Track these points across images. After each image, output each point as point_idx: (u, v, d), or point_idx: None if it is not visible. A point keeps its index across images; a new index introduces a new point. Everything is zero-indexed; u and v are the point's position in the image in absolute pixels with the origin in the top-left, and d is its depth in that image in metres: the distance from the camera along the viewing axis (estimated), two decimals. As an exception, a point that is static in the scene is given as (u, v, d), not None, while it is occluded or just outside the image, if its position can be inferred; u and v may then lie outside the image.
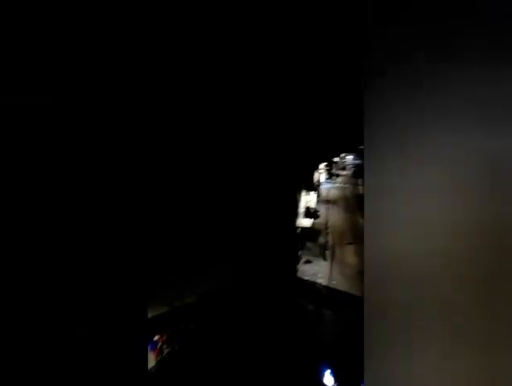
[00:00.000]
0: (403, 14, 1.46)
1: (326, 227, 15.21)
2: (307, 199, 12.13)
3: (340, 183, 26.12)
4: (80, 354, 3.14)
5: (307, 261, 11.43)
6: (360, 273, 11.39)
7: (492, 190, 1.59)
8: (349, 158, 32.62)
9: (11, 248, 2.98)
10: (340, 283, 10.29)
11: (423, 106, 1.51)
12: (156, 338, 6.86)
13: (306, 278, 10.50)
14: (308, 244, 12.99)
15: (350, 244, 14.80)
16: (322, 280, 10.41)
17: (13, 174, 2.91)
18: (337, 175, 27.06)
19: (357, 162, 29.08)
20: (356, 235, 16.15)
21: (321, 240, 14.33)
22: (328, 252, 12.72)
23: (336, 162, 28.31)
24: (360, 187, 24.25)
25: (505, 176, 1.48)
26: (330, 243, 14.14)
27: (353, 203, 22.02)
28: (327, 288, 9.58)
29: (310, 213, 11.60)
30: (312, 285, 9.50)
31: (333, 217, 18.34)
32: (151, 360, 6.81)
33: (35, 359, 3.05)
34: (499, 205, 1.54)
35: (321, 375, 6.29)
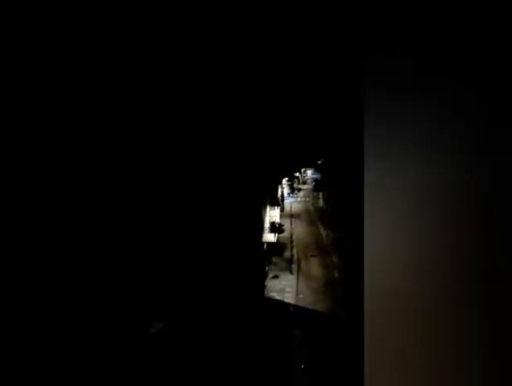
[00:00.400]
0: (403, 13, 1.49)
1: (291, 241, 15.45)
2: (272, 214, 12.28)
3: (302, 197, 26.86)
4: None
5: (275, 276, 11.45)
6: (325, 286, 11.62)
7: (492, 192, 1.60)
8: (309, 172, 33.79)
9: (12, 248, 2.80)
10: (306, 296, 10.40)
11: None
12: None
13: (273, 294, 10.48)
14: (275, 259, 13.06)
15: (314, 256, 15.13)
16: (290, 294, 10.45)
17: (13, 175, 2.74)
18: (299, 190, 27.86)
19: (316, 176, 30.24)
20: (319, 247, 16.57)
21: (287, 254, 14.48)
22: (293, 266, 12.86)
23: (297, 177, 29.18)
24: (320, 200, 25.11)
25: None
26: (295, 256, 14.33)
27: (315, 216, 22.67)
28: (294, 306, 9.64)
29: (275, 228, 11.73)
30: (280, 303, 9.52)
31: (297, 231, 18.70)
32: None
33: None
34: (498, 204, 1.56)
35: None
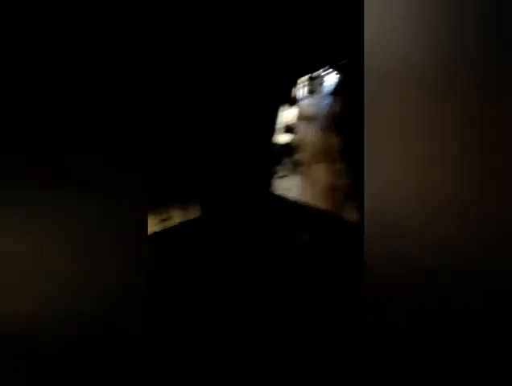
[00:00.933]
0: None
1: (301, 145, 15.51)
2: (286, 116, 12.06)
3: (319, 100, 25.60)
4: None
5: (282, 176, 11.98)
6: (328, 190, 12.21)
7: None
8: (329, 73, 31.33)
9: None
10: (310, 197, 11.08)
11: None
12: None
13: (279, 192, 11.16)
14: (284, 161, 13.41)
15: (322, 162, 15.40)
16: (294, 194, 11.13)
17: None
18: (316, 91, 26.37)
19: (336, 78, 28.08)
20: (328, 154, 16.68)
21: (296, 156, 14.75)
22: (301, 169, 13.27)
23: (315, 78, 27.24)
24: (337, 105, 23.98)
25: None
26: (304, 160, 14.62)
27: (329, 122, 22.06)
28: (297, 200, 10.30)
29: (288, 129, 11.68)
30: (285, 199, 10.14)
31: (309, 134, 18.53)
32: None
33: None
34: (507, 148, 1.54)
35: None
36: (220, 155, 7.55)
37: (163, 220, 7.14)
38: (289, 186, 11.72)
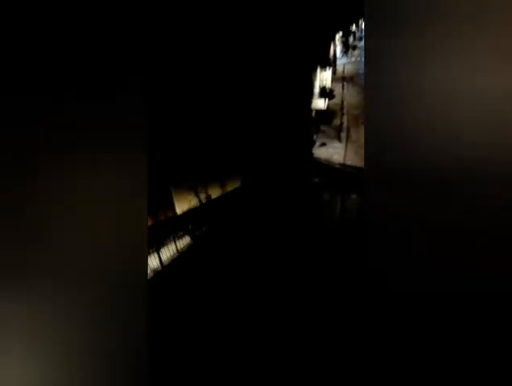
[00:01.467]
0: None
1: (341, 108, 14.46)
2: (322, 77, 11.15)
3: (357, 57, 23.59)
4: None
5: (322, 144, 11.27)
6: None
7: None
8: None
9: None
10: (354, 163, 10.33)
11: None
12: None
13: (322, 160, 10.54)
14: (323, 127, 12.60)
15: (364, 124, 14.26)
16: (338, 160, 10.44)
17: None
18: (354, 47, 24.24)
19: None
20: (372, 114, 15.39)
21: (336, 121, 13.82)
22: (343, 134, 12.41)
23: (352, 32, 24.95)
24: (378, 60, 21.81)
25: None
26: (345, 124, 13.66)
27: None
28: (343, 165, 9.67)
29: (325, 93, 10.82)
30: (328, 164, 9.53)
31: (349, 96, 17.25)
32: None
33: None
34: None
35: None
36: (256, 123, 7.13)
37: (204, 197, 7.02)
38: (330, 153, 11.02)
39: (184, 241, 7.25)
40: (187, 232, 7.02)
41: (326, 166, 9.16)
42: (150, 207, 6.02)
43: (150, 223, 6.41)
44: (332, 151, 11.31)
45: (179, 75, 5.53)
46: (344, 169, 9.06)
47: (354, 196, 8.22)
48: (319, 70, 10.75)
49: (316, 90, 10.78)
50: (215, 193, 7.18)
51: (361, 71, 21.74)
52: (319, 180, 8.25)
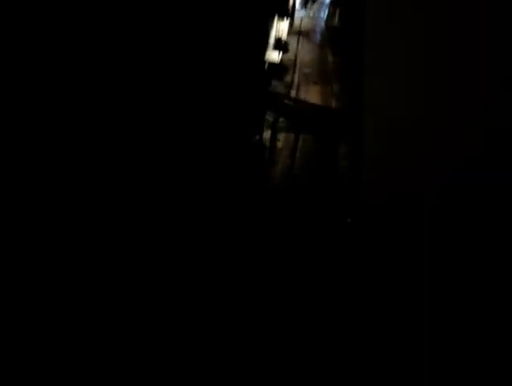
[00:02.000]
0: None
1: (294, 64, 14.33)
2: (279, 28, 10.80)
3: (316, 12, 22.98)
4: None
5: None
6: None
7: None
8: (330, -22, 27.59)
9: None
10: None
11: None
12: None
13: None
14: (274, 82, 12.49)
15: (316, 83, 14.47)
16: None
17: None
18: (313, 1, 23.47)
19: (337, -16, 24.71)
20: (323, 74, 15.61)
21: (288, 77, 13.74)
22: (293, 92, 12.47)
23: (313, -17, 23.93)
24: (335, 18, 21.71)
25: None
26: (296, 81, 13.67)
27: (326, 37, 20.20)
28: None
29: (280, 45, 10.57)
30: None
31: (303, 52, 17.06)
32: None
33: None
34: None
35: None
36: (206, 71, 6.83)
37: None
38: (280, 106, 11.10)
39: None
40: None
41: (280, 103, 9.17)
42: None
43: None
44: (282, 105, 11.40)
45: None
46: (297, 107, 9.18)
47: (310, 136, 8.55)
48: (276, 20, 10.36)
49: (272, 41, 10.48)
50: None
51: (318, 29, 21.37)
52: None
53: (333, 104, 12.55)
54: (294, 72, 14.51)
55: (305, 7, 22.29)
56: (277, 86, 13.86)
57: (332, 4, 22.01)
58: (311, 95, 13.66)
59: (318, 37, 19.69)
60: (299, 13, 21.46)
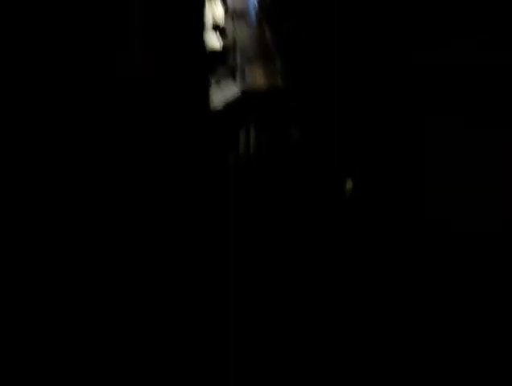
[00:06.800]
0: None
1: (234, 47, 14.35)
2: (215, 12, 10.76)
3: (247, -8, 22.69)
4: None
5: (217, 82, 11.31)
6: (269, 94, 11.94)
7: None
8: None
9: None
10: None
11: None
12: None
13: (217, 100, 10.67)
14: (217, 66, 12.49)
15: (259, 64, 14.65)
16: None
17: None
18: (243, -19, 23.13)
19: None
20: (263, 53, 15.80)
21: (230, 61, 13.76)
22: (237, 74, 12.58)
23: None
24: (268, -3, 21.67)
25: None
26: (238, 63, 13.76)
27: (261, 16, 20.23)
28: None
29: (217, 29, 10.57)
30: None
31: (241, 34, 17.05)
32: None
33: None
34: None
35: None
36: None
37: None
38: (226, 94, 11.21)
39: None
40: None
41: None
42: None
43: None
44: (228, 93, 11.50)
45: None
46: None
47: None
48: (212, 4, 10.31)
49: (209, 27, 10.45)
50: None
51: (252, 9, 21.33)
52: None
53: (279, 82, 12.87)
54: (235, 55, 14.54)
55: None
56: (220, 70, 13.84)
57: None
58: (257, 75, 13.86)
59: (253, 17, 19.69)
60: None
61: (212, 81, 11.72)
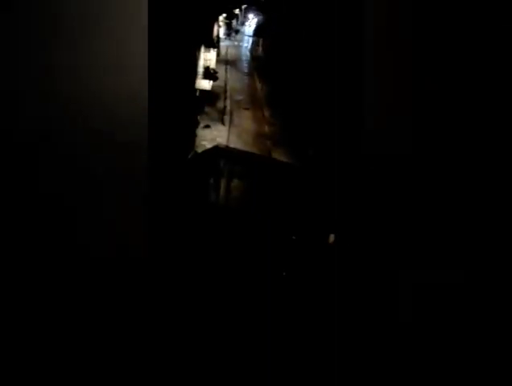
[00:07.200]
0: None
1: (225, 91, 14.63)
2: (206, 58, 10.97)
3: (240, 42, 24.01)
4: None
5: (206, 126, 11.23)
6: (256, 138, 11.98)
7: None
8: (250, 10, 29.22)
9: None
10: (237, 146, 10.72)
11: None
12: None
13: (204, 143, 10.52)
14: (206, 109, 12.53)
15: (247, 109, 14.90)
16: (221, 142, 10.62)
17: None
18: (237, 31, 24.53)
19: (258, 17, 26.30)
20: (253, 100, 16.19)
21: (220, 104, 13.92)
22: (226, 117, 12.63)
23: (236, 15, 25.10)
24: (259, 48, 22.96)
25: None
26: (228, 108, 13.92)
27: (252, 66, 21.17)
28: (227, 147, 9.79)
29: (209, 74, 10.71)
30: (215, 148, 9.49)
31: (232, 80, 17.57)
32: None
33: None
34: None
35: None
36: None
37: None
38: (214, 136, 11.12)
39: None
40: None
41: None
42: None
43: None
44: (216, 134, 11.42)
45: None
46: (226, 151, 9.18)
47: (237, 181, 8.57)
48: (203, 50, 10.50)
49: (200, 70, 10.56)
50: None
51: (244, 58, 22.35)
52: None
53: (266, 129, 13.01)
54: (225, 99, 14.78)
55: (229, 37, 23.17)
56: (210, 112, 13.92)
57: (255, 35, 23.25)
58: (244, 120, 13.99)
59: (245, 65, 20.53)
60: (224, 42, 22.21)
61: (202, 123, 11.60)
